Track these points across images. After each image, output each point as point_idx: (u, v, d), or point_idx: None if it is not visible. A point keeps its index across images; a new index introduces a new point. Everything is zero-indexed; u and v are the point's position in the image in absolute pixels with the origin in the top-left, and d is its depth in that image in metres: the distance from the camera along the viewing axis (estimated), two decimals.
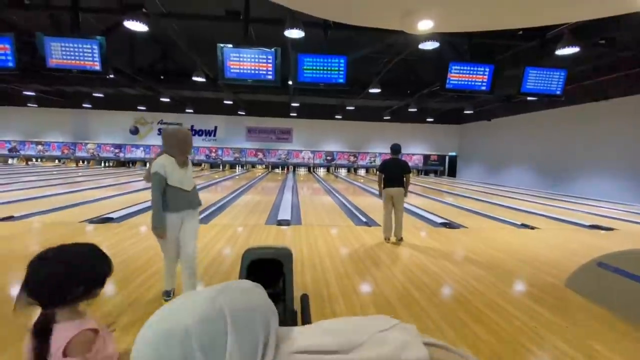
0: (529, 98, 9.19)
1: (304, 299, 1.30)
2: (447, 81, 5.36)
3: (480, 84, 5.44)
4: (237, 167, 19.64)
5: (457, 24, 3.58)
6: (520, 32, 6.08)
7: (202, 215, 5.78)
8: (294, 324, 1.28)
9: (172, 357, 0.40)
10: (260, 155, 19.80)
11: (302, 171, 19.69)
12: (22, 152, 18.61)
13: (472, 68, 5.38)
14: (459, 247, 4.56)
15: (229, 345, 0.41)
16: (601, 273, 2.86)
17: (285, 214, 6.25)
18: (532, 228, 5.77)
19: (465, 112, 15.95)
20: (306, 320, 1.20)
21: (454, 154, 20.42)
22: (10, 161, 18.48)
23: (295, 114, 18.44)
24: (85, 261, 0.92)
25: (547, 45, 6.22)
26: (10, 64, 4.98)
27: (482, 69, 5.40)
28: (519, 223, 6.11)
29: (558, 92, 5.73)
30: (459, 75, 5.37)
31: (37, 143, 18.69)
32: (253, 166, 19.82)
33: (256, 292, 0.51)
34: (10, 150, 18.48)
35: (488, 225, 6.07)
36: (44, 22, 6.82)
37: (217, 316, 0.43)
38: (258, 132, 19.83)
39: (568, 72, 5.81)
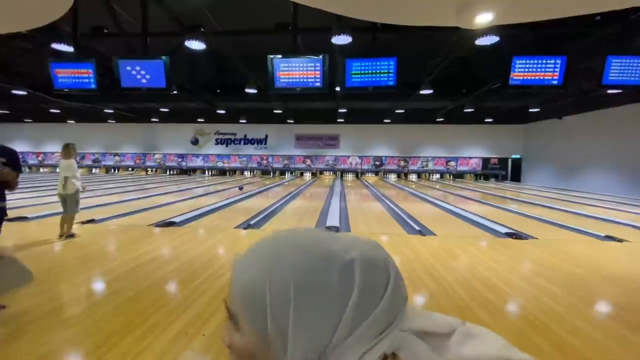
0: (609, 91, 8.08)
1: None
2: (511, 77, 4.88)
3: (550, 78, 4.86)
4: (286, 174, 20.18)
5: (521, 13, 3.23)
6: (598, 18, 5.35)
7: (254, 221, 5.98)
8: None
9: (328, 277, 0.37)
10: (309, 161, 20.12)
11: (349, 177, 19.57)
12: (103, 163, 21.23)
13: (539, 61, 4.82)
14: (528, 261, 4.08)
15: (389, 291, 0.38)
16: None
17: (333, 220, 6.19)
18: (620, 241, 4.96)
19: (530, 110, 14.52)
20: None
21: (517, 156, 18.70)
22: (94, 170, 21.16)
23: (342, 120, 18.43)
24: None
25: (631, 30, 5.38)
26: (93, 86, 5.69)
27: (552, 62, 4.81)
28: (602, 235, 5.31)
29: None
30: (524, 71, 4.85)
31: (115, 154, 21.19)
32: (302, 173, 20.19)
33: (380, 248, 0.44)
34: (93, 161, 21.19)
35: (563, 236, 5.37)
36: (120, 46, 7.72)
37: (382, 263, 0.40)
38: (306, 139, 20.21)
39: None
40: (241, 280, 0.39)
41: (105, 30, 6.67)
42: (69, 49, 5.70)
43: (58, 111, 17.12)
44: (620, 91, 6.96)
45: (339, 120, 18.48)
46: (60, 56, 6.21)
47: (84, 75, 5.66)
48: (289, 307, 0.36)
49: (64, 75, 5.70)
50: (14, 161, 2.75)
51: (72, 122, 20.25)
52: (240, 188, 12.05)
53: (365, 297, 0.37)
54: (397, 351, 0.36)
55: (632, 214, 7.54)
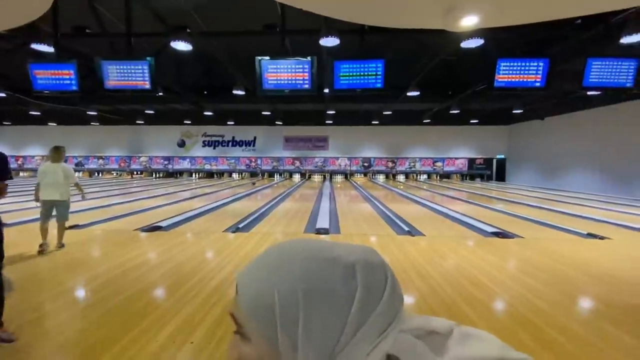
0: (589, 93, 8.34)
1: None
2: (496, 80, 4.99)
3: (533, 80, 4.99)
4: (275, 176, 20.08)
5: (506, 17, 3.30)
6: (579, 21, 5.52)
7: (244, 224, 5.92)
8: None
9: (333, 281, 0.39)
10: (298, 163, 20.08)
11: (338, 178, 19.61)
12: (86, 166, 20.66)
13: (523, 64, 4.94)
14: (515, 260, 4.16)
15: (386, 291, 0.40)
16: None
17: (323, 221, 6.18)
18: (602, 238, 5.12)
19: (514, 111, 14.88)
20: None
21: (502, 156, 19.12)
22: (77, 174, 20.57)
23: (331, 122, 18.47)
24: None
25: (611, 33, 5.58)
26: (74, 88, 5.52)
27: (535, 64, 4.94)
28: (584, 232, 5.47)
29: (628, 84, 5.09)
30: (508, 74, 4.96)
31: (99, 157, 20.66)
32: (291, 175, 20.12)
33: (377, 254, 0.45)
34: (76, 164, 20.60)
35: (547, 235, 5.50)
36: (103, 47, 7.53)
37: (380, 265, 0.42)
38: (295, 140, 20.17)
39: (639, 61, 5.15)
40: (249, 292, 0.39)
41: (87, 30, 6.50)
42: (49, 49, 5.52)
43: (38, 113, 16.59)
44: (599, 92, 7.20)
45: (327, 121, 18.52)
46: (40, 57, 6.02)
47: (65, 76, 5.49)
48: (298, 314, 0.37)
49: (44, 77, 5.52)
50: (0, 166, 2.36)
51: (54, 124, 19.64)
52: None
53: (367, 297, 0.38)
54: (398, 353, 0.36)
55: (613, 212, 7.79)
